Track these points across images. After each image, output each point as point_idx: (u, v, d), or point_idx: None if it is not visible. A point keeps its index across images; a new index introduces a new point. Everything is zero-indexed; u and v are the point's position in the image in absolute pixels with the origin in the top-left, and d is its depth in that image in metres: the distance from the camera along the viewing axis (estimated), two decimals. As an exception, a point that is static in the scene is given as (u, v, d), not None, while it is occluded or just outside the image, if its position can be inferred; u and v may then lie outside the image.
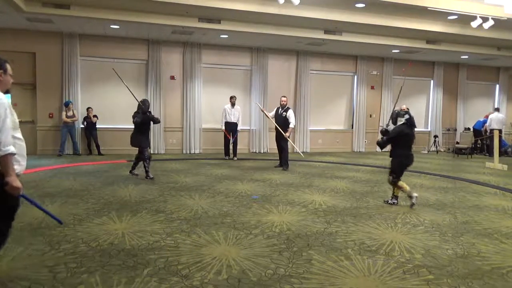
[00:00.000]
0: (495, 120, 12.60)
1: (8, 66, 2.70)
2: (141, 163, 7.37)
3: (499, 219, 5.10)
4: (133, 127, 7.34)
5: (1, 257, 3.35)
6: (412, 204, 5.47)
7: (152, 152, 11.21)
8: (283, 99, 8.85)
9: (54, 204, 5.23)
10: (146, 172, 7.20)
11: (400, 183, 5.52)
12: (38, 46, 10.29)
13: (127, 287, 2.89)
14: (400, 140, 5.41)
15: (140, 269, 3.19)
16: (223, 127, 10.31)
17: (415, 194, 5.48)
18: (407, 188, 5.50)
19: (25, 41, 10.16)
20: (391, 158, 5.66)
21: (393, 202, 5.67)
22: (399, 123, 5.49)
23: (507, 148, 13.39)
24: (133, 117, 7.25)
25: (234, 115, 10.32)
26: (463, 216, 5.15)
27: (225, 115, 10.34)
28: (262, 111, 9.55)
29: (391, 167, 5.59)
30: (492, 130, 11.61)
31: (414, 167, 9.42)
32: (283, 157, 8.84)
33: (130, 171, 7.55)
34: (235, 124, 10.31)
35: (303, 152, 8.79)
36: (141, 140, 7.26)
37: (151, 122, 7.37)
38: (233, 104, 10.33)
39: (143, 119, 7.18)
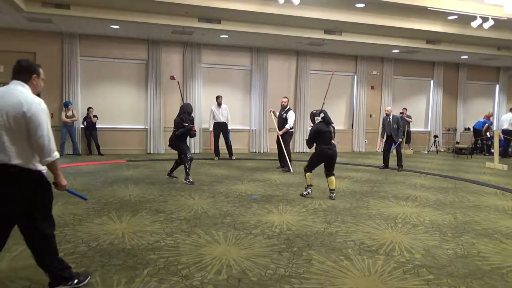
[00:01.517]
0: (506, 120, 12.57)
1: (41, 71, 2.76)
2: (181, 166, 7.26)
3: (499, 219, 5.10)
4: (174, 129, 7.22)
5: (1, 257, 3.35)
6: (302, 194, 6.08)
7: (152, 152, 11.24)
8: (284, 99, 8.73)
9: (55, 204, 5.22)
10: (187, 174, 6.95)
11: (307, 174, 6.06)
12: (38, 46, 10.29)
13: (127, 287, 2.89)
14: (319, 137, 5.93)
15: (140, 269, 3.19)
16: (211, 128, 10.31)
17: (309, 190, 6.08)
18: (309, 181, 6.09)
19: (25, 41, 10.16)
20: None
21: (308, 192, 6.09)
22: (316, 122, 6.01)
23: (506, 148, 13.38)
24: (176, 122, 7.08)
25: (222, 114, 10.33)
26: (463, 216, 5.15)
27: (213, 116, 10.34)
28: (273, 115, 9.21)
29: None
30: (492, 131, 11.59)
31: (414, 167, 9.48)
32: (284, 158, 8.63)
33: (169, 174, 7.38)
34: (224, 124, 10.31)
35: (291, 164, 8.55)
36: (181, 143, 7.15)
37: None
38: (219, 104, 10.33)
39: (188, 127, 7.08)
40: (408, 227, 4.61)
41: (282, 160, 8.75)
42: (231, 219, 4.73)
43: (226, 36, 10.41)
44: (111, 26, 9.59)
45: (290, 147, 9.10)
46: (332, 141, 5.97)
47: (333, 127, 6.01)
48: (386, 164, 9.35)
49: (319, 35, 10.30)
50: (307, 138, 6.19)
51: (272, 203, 5.57)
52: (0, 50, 10.03)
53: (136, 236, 3.99)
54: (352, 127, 13.48)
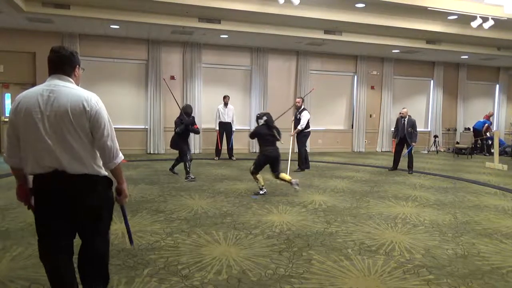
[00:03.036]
0: None
1: None
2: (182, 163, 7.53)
3: (499, 219, 5.10)
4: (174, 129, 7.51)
5: (1, 257, 3.36)
6: (256, 194, 6.11)
7: (152, 152, 11.24)
8: (298, 100, 8.80)
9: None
10: (187, 172, 7.22)
11: (257, 176, 6.16)
12: (38, 46, 10.28)
13: (127, 287, 2.89)
14: (260, 139, 6.22)
15: (140, 269, 3.19)
16: (217, 128, 10.32)
17: (263, 191, 6.14)
18: (261, 182, 6.18)
19: (25, 41, 10.15)
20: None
21: (264, 192, 6.14)
22: (260, 124, 6.26)
23: (505, 147, 13.39)
24: (176, 123, 7.41)
25: (228, 114, 10.34)
26: (463, 216, 5.15)
27: (219, 115, 10.34)
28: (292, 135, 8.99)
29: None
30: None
31: (414, 167, 9.45)
32: (300, 158, 8.72)
33: (170, 169, 7.73)
34: (229, 124, 10.32)
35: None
36: (182, 143, 7.41)
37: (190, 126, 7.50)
38: (226, 104, 10.34)
39: (187, 122, 7.36)
40: (408, 227, 4.61)
41: (304, 161, 8.86)
42: (231, 219, 4.73)
43: (226, 36, 10.41)
44: (111, 26, 9.59)
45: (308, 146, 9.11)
46: (281, 142, 6.27)
47: (277, 129, 6.27)
48: (395, 166, 9.13)
49: (319, 35, 10.30)
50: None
51: (272, 203, 5.57)
52: (0, 50, 10.03)
53: (136, 236, 3.99)
54: (352, 127, 13.47)
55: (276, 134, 6.21)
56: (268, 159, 6.16)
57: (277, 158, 6.17)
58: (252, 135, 6.37)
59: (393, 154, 9.34)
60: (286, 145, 8.57)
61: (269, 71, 12.21)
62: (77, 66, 2.32)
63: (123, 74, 11.15)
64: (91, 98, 2.20)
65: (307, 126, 8.70)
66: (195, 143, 11.62)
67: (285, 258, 3.53)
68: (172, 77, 11.48)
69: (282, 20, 9.32)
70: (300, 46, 11.67)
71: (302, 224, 4.59)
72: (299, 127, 8.54)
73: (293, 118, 9.00)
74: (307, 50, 12.30)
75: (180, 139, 7.42)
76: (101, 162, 2.29)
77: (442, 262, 3.52)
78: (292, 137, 8.71)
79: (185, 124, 7.32)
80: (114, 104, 11.02)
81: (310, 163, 9.10)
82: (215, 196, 5.97)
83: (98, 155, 2.27)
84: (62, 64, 2.23)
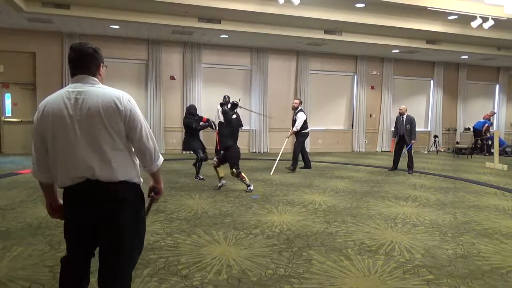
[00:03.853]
0: None
1: None
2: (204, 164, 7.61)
3: (499, 219, 5.10)
4: (185, 131, 7.60)
5: (1, 257, 3.36)
6: (217, 187, 6.36)
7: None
8: (295, 101, 8.92)
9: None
10: (197, 172, 7.32)
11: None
12: (38, 46, 10.29)
13: (127, 287, 2.89)
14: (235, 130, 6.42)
15: (140, 269, 3.19)
16: (216, 128, 10.31)
17: (223, 181, 6.40)
18: (221, 174, 6.38)
19: (25, 41, 10.15)
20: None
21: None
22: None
23: (505, 147, 13.40)
24: (189, 123, 7.39)
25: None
26: (463, 216, 5.15)
27: (218, 115, 10.34)
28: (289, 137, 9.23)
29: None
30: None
31: (415, 167, 9.45)
32: (294, 157, 8.69)
33: (196, 177, 7.39)
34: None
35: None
36: (194, 143, 7.42)
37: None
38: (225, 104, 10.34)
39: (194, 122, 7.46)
40: (408, 227, 4.61)
41: (305, 161, 8.96)
42: (231, 219, 4.73)
43: (226, 36, 10.41)
44: (111, 26, 9.59)
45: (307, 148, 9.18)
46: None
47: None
48: (395, 166, 9.07)
49: (319, 35, 10.30)
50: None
51: (272, 203, 5.57)
52: (0, 50, 10.03)
53: (136, 236, 3.99)
54: (352, 127, 13.47)
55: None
56: (240, 155, 6.44)
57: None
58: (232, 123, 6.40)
59: (392, 154, 9.34)
60: (280, 145, 8.68)
61: (269, 71, 12.21)
62: (101, 64, 2.11)
63: (123, 74, 11.15)
64: (123, 97, 2.00)
65: (305, 126, 8.74)
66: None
67: (285, 258, 3.53)
68: (172, 77, 11.48)
69: (282, 20, 9.32)
70: (300, 46, 11.67)
71: (302, 224, 4.59)
72: (294, 129, 8.66)
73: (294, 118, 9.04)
74: (307, 50, 12.30)
75: (191, 139, 7.40)
76: (138, 170, 2.08)
77: (442, 262, 3.52)
78: (287, 138, 8.93)
79: (206, 125, 7.58)
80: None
81: (311, 163, 9.10)
82: (215, 196, 5.97)
83: (136, 161, 2.08)
84: (86, 62, 2.03)
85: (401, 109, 8.95)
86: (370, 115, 13.61)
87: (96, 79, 2.06)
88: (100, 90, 2.00)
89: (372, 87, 13.55)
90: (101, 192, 1.96)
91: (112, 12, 8.68)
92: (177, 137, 11.60)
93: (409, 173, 8.77)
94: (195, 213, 4.96)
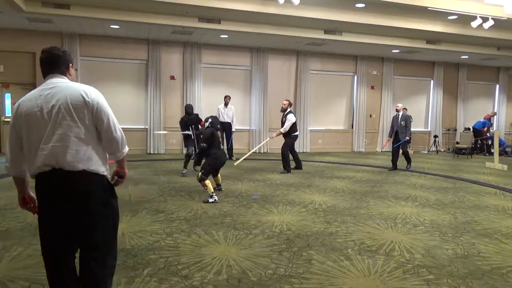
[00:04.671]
0: None
1: None
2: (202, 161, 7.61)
3: (499, 219, 5.10)
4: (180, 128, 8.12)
5: (1, 257, 3.35)
6: (207, 201, 5.52)
7: (152, 152, 11.24)
8: (284, 102, 8.66)
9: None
10: (183, 167, 7.79)
11: (207, 181, 5.67)
12: (38, 46, 10.24)
13: (127, 287, 2.89)
14: (214, 140, 5.98)
15: (140, 269, 3.19)
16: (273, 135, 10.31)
17: (213, 199, 5.55)
18: (211, 189, 5.63)
19: (25, 41, 10.16)
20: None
21: (214, 200, 5.55)
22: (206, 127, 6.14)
23: (505, 147, 13.40)
24: (180, 124, 8.04)
25: (228, 114, 10.38)
26: (463, 216, 5.15)
27: (219, 115, 10.36)
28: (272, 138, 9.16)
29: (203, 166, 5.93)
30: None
31: (415, 167, 9.46)
32: (284, 160, 8.46)
33: (193, 168, 7.86)
34: (229, 124, 10.34)
35: (237, 159, 8.55)
36: (186, 140, 8.02)
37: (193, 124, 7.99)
38: (226, 104, 10.37)
39: (190, 123, 7.94)
40: (408, 227, 4.61)
41: (296, 161, 8.81)
42: (231, 219, 4.73)
43: (226, 36, 10.41)
44: (111, 26, 9.59)
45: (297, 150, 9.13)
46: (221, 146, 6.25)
47: (226, 127, 6.36)
48: (394, 166, 9.15)
49: (319, 35, 10.30)
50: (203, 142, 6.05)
51: (272, 203, 5.57)
52: (0, 50, 10.03)
53: (136, 236, 3.99)
54: (352, 127, 13.47)
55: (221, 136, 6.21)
56: (219, 161, 5.96)
57: (225, 161, 6.11)
58: (209, 136, 5.96)
59: (388, 153, 9.39)
60: (280, 145, 8.67)
61: (269, 71, 12.21)
62: (70, 64, 2.27)
63: (123, 74, 11.15)
64: (90, 91, 2.14)
65: (295, 129, 8.55)
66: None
67: (285, 258, 3.53)
68: (172, 77, 11.48)
69: (282, 20, 9.32)
70: (300, 46, 11.67)
71: (302, 224, 4.59)
72: (282, 130, 8.45)
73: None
74: (307, 50, 12.30)
75: (184, 138, 7.95)
76: (105, 160, 2.20)
77: (442, 262, 3.52)
78: (270, 138, 8.98)
79: (188, 125, 7.87)
80: (114, 104, 10.92)
81: (310, 163, 9.10)
82: (209, 198, 5.95)
83: (104, 153, 2.20)
84: (56, 62, 2.19)
85: (398, 107, 9.21)
86: (370, 115, 13.60)
87: (65, 77, 2.21)
88: (69, 84, 2.15)
89: (372, 87, 13.55)
90: (66, 181, 2.05)
91: (112, 12, 8.68)
92: (177, 137, 11.60)
93: (407, 168, 9.08)
94: (195, 213, 4.96)
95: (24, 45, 10.19)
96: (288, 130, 8.45)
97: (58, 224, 2.12)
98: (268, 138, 8.98)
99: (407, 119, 8.99)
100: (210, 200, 5.54)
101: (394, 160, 9.15)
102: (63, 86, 2.12)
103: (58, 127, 2.03)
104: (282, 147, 8.58)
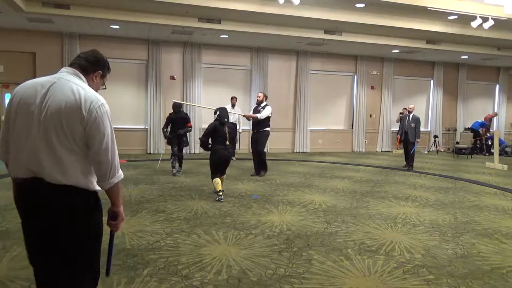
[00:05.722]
0: None
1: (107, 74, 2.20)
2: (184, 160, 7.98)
3: (499, 219, 5.10)
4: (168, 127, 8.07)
5: (1, 257, 3.35)
6: (219, 199, 5.59)
7: (152, 152, 11.24)
8: (259, 95, 8.04)
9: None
10: (172, 167, 7.84)
11: (215, 180, 5.72)
12: (38, 46, 10.29)
13: (127, 287, 2.89)
14: (214, 135, 5.89)
15: (140, 269, 3.19)
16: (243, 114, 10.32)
17: (221, 196, 5.62)
18: (219, 187, 5.67)
19: (25, 41, 10.15)
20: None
21: (218, 199, 5.61)
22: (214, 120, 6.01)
23: (505, 147, 13.40)
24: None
25: (234, 116, 10.36)
26: (463, 216, 5.15)
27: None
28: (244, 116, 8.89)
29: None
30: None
31: (414, 167, 9.46)
32: (260, 162, 7.91)
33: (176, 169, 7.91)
34: (234, 125, 10.33)
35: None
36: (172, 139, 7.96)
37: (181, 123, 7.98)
38: (233, 105, 10.36)
39: (176, 121, 7.94)
40: (408, 227, 4.61)
41: (257, 168, 7.96)
42: (231, 219, 4.73)
43: (226, 36, 10.41)
44: (111, 26, 9.59)
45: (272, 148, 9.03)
46: (227, 142, 5.89)
47: (231, 128, 6.00)
48: (410, 166, 9.57)
49: (319, 35, 10.29)
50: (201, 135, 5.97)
51: (272, 203, 5.57)
52: (0, 50, 10.03)
53: (136, 236, 3.99)
54: (352, 127, 13.47)
55: (227, 133, 5.87)
56: (221, 158, 5.82)
57: (229, 158, 5.97)
58: (210, 131, 5.83)
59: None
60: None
61: (269, 71, 12.21)
62: (99, 71, 2.02)
63: (123, 74, 11.14)
64: (94, 101, 1.81)
65: (268, 123, 7.85)
66: (195, 143, 11.61)
67: (285, 258, 3.53)
68: (172, 77, 11.48)
69: (282, 20, 9.31)
70: (300, 46, 11.67)
71: (302, 224, 4.59)
72: (258, 116, 7.67)
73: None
74: (307, 50, 12.30)
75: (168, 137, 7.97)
76: (93, 177, 1.89)
77: (442, 262, 3.52)
78: (240, 115, 8.91)
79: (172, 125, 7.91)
80: (114, 104, 11.02)
81: (310, 163, 9.10)
82: (215, 196, 5.96)
83: (91, 169, 1.87)
84: (84, 59, 1.95)
85: (410, 108, 9.67)
86: (370, 115, 13.60)
87: (83, 77, 1.93)
88: (74, 87, 1.83)
89: (372, 87, 13.55)
90: (46, 193, 1.80)
91: (112, 12, 8.68)
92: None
93: (408, 170, 9.27)
94: (195, 213, 4.96)
95: (24, 45, 10.19)
96: (261, 124, 7.75)
97: (37, 235, 1.88)
98: (242, 114, 8.82)
99: (417, 121, 9.41)
100: (216, 199, 5.64)
101: (407, 158, 9.61)
102: (66, 87, 1.82)
103: (47, 131, 1.77)
104: (258, 146, 7.83)
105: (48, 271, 1.90)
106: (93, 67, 1.98)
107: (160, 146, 11.37)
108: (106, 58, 2.07)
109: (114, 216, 1.98)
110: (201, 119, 11.62)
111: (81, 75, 1.92)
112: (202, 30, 9.75)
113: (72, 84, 1.84)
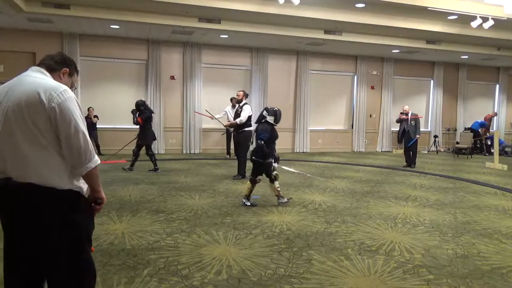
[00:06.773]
0: None
1: (76, 75, 2.13)
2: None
3: (499, 219, 5.10)
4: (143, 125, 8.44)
5: (1, 257, 3.35)
6: (252, 205, 5.37)
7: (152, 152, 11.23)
8: (239, 93, 7.60)
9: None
10: (154, 164, 8.18)
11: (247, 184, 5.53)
12: (38, 46, 10.28)
13: (127, 287, 2.89)
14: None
15: (140, 269, 3.19)
16: (224, 124, 10.37)
17: (247, 202, 5.41)
18: (248, 191, 5.46)
19: (25, 41, 10.15)
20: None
21: (250, 204, 5.40)
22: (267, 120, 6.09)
23: (505, 147, 13.40)
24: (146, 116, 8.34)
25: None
26: (463, 216, 5.15)
27: (227, 116, 10.38)
28: (211, 116, 9.30)
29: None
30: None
31: (415, 167, 9.46)
32: (240, 165, 7.54)
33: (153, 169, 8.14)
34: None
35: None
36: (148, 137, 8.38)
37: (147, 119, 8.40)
38: (233, 106, 10.36)
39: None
40: (408, 227, 4.61)
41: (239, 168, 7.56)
42: (231, 219, 4.73)
43: (226, 36, 10.41)
44: (111, 26, 9.59)
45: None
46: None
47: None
48: (409, 162, 9.75)
49: (319, 35, 10.30)
50: (262, 142, 5.57)
51: (272, 203, 5.57)
52: (0, 50, 10.03)
53: (136, 236, 3.99)
54: (352, 127, 13.47)
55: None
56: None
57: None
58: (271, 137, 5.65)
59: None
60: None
61: (269, 71, 12.21)
62: (66, 70, 1.99)
63: (123, 74, 11.15)
64: (54, 88, 1.75)
65: (248, 124, 7.37)
66: (195, 143, 11.63)
67: (285, 258, 3.52)
68: (172, 77, 11.48)
69: (282, 20, 9.32)
70: (300, 46, 11.67)
71: (302, 224, 4.59)
72: (237, 121, 7.33)
73: (221, 116, 9.50)
74: (307, 50, 12.30)
75: (148, 132, 8.48)
76: (65, 173, 1.79)
77: (442, 262, 3.52)
78: (218, 119, 9.27)
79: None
80: (114, 104, 11.03)
81: (310, 163, 9.09)
82: (215, 196, 5.97)
83: (62, 163, 1.78)
84: (50, 58, 1.96)
85: (405, 110, 9.98)
86: (370, 115, 13.60)
87: (48, 74, 1.90)
88: (33, 79, 1.81)
89: (372, 87, 13.55)
90: (15, 195, 1.74)
91: (112, 12, 8.68)
92: (177, 137, 11.62)
93: (411, 167, 9.49)
94: (195, 213, 4.96)
95: (24, 45, 10.19)
96: (240, 125, 7.37)
97: (14, 239, 1.88)
98: (220, 115, 9.59)
99: (417, 119, 9.70)
100: (247, 203, 5.39)
101: (407, 156, 9.78)
102: (27, 81, 1.79)
103: (10, 128, 1.73)
104: (239, 150, 7.53)
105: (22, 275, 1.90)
106: (59, 65, 1.97)
107: (160, 146, 11.37)
108: (71, 57, 2.07)
109: (98, 202, 1.96)
110: (201, 119, 11.61)
111: (45, 72, 1.91)
112: (202, 30, 9.75)
113: (32, 78, 1.82)
